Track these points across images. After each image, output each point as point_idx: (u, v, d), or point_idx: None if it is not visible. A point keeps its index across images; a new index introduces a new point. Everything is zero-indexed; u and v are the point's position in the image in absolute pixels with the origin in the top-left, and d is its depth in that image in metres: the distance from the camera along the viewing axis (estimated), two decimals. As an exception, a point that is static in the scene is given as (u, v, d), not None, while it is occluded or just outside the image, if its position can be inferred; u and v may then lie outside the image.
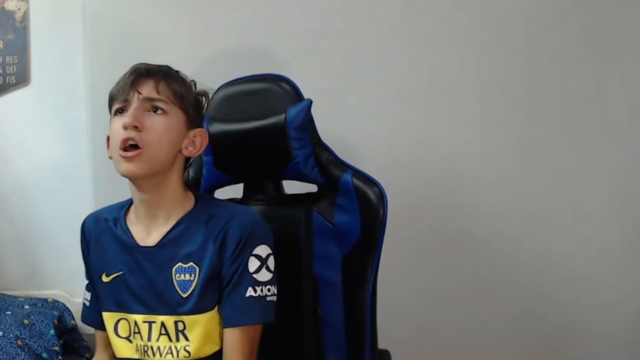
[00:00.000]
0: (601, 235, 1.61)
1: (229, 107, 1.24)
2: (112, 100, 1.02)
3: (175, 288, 0.98)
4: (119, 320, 1.03)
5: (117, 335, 1.03)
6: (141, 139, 0.95)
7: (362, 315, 1.15)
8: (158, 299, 0.99)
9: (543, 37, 1.57)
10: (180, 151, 1.02)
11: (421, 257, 1.61)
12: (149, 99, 0.98)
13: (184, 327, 0.98)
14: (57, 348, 1.46)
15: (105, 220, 1.10)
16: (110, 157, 1.03)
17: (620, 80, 1.57)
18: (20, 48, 1.66)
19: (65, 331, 1.56)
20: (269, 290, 0.99)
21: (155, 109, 0.98)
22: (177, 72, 1.04)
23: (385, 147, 1.59)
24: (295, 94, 1.23)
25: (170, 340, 0.98)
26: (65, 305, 1.61)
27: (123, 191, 1.62)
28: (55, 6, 1.65)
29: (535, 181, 1.60)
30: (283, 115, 1.15)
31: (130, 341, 1.02)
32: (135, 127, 0.95)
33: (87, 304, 1.13)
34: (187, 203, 1.04)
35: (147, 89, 0.98)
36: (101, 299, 1.07)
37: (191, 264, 0.99)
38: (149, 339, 0.99)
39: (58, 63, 1.66)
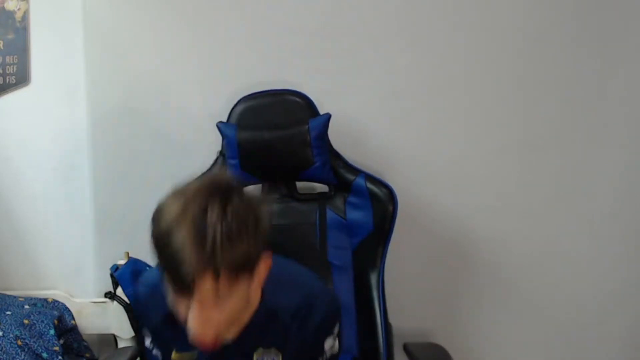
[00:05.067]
0: (601, 235, 1.61)
1: (253, 117, 1.46)
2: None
3: None
4: None
5: None
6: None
7: (373, 295, 1.35)
8: None
9: (543, 37, 1.57)
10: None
11: (421, 257, 1.61)
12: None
13: None
14: (57, 348, 1.46)
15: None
16: None
17: (621, 81, 1.56)
18: (20, 48, 1.66)
19: (65, 331, 1.56)
20: (333, 353, 1.02)
21: None
22: None
23: (385, 147, 1.59)
24: (310, 107, 1.45)
25: None
26: (65, 305, 1.61)
27: (123, 191, 1.64)
28: (55, 6, 1.64)
29: (535, 181, 1.60)
30: (305, 126, 1.37)
31: None
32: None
33: (153, 350, 1.06)
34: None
35: None
36: None
37: (273, 349, 1.00)
38: None
39: (58, 63, 1.66)
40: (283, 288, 1.00)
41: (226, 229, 0.80)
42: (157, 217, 0.83)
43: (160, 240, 0.81)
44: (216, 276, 0.81)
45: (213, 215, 0.79)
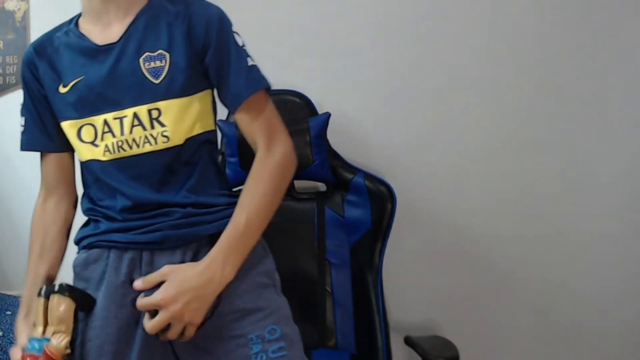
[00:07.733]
0: (601, 235, 1.61)
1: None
2: None
3: (145, 76, 0.98)
4: (81, 127, 1.02)
5: (81, 141, 1.02)
6: None
7: (371, 292, 1.35)
8: (127, 92, 0.98)
9: (544, 37, 1.57)
10: None
11: (421, 258, 1.61)
12: None
13: (159, 114, 0.98)
14: (57, 348, 1.46)
15: (53, 39, 1.06)
16: None
17: (621, 80, 1.57)
18: (20, 48, 1.67)
19: (65, 331, 1.56)
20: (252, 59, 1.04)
21: None
22: None
23: (384, 147, 1.59)
24: (309, 106, 1.46)
25: (144, 129, 0.98)
26: (65, 305, 1.61)
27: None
28: (55, 6, 1.64)
29: (536, 181, 1.60)
30: (305, 125, 1.40)
31: (97, 145, 1.01)
32: None
33: (23, 128, 1.13)
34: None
35: None
36: (58, 111, 1.04)
37: (160, 51, 0.99)
38: (122, 134, 0.98)
39: (58, 63, 1.66)
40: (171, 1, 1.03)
41: None
42: None
43: None
44: None
45: None
